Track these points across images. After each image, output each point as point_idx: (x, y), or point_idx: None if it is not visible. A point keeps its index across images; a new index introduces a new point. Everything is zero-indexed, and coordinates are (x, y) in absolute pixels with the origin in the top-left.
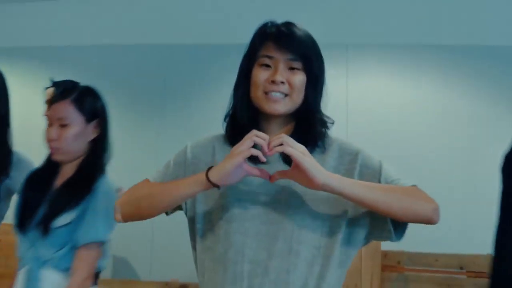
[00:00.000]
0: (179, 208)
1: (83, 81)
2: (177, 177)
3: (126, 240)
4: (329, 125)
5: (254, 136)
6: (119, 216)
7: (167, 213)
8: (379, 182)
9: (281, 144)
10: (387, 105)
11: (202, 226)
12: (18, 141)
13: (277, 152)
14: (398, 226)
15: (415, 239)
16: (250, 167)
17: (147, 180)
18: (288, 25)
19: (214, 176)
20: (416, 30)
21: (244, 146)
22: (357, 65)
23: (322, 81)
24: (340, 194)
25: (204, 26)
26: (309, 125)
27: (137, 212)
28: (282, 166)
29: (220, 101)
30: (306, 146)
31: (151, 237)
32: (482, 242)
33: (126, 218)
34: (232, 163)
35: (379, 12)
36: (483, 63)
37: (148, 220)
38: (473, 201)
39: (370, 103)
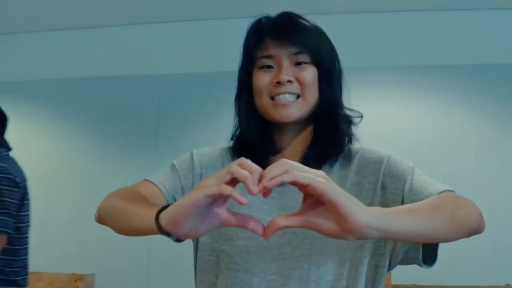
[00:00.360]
0: None
1: (78, 113)
2: (187, 185)
3: (122, 279)
4: (356, 120)
5: (236, 165)
6: (96, 216)
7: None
8: (403, 190)
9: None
10: (392, 128)
11: (203, 256)
12: None
13: (276, 185)
14: (428, 246)
15: (427, 271)
16: (228, 213)
17: (145, 182)
18: (285, 15)
19: (164, 218)
20: (419, 51)
21: (213, 179)
22: (360, 89)
23: (339, 72)
24: (386, 236)
25: (200, 55)
26: (331, 124)
27: (103, 220)
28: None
29: (216, 131)
30: (331, 155)
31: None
32: (499, 273)
33: (101, 222)
34: (187, 201)
35: (381, 35)
36: (489, 82)
37: (144, 263)
38: (487, 229)
39: (374, 125)
